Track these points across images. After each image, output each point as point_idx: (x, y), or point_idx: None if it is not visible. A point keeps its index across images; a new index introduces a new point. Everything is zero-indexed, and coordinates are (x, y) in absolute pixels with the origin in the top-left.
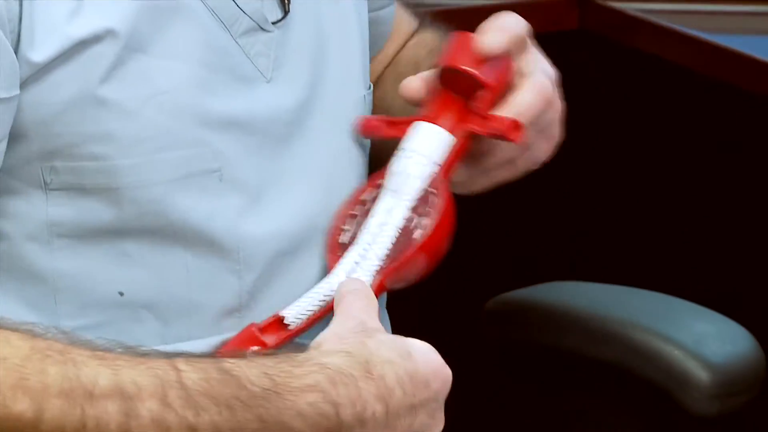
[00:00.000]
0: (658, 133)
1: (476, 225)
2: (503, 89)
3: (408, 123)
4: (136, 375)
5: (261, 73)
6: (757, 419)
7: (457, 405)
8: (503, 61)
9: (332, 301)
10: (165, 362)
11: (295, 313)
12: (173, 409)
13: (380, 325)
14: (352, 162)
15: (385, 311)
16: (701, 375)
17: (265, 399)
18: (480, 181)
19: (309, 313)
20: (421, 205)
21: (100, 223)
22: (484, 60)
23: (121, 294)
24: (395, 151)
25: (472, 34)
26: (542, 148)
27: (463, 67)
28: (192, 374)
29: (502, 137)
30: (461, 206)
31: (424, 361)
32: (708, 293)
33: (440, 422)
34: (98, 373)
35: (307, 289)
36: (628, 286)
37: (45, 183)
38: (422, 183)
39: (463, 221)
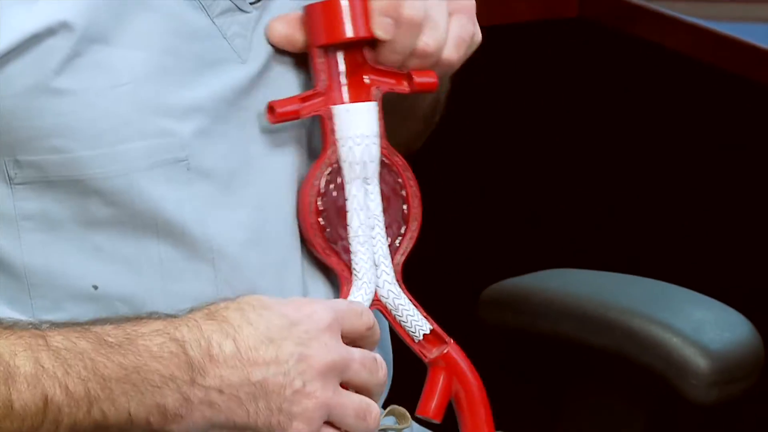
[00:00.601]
0: (658, 121)
1: (473, 212)
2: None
3: (317, 96)
4: (8, 345)
5: (237, 54)
6: (756, 406)
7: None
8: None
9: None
10: (34, 331)
11: None
12: (46, 370)
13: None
14: (317, 144)
15: None
16: (700, 362)
17: (121, 347)
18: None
19: None
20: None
21: (68, 215)
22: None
23: (95, 287)
24: (335, 138)
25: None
26: (428, 42)
27: (351, 35)
28: (56, 336)
29: (423, 91)
30: (459, 194)
31: (278, 302)
32: (706, 280)
33: (321, 350)
34: None
35: (282, 273)
36: (627, 274)
37: (9, 178)
38: (379, 159)
39: (460, 208)
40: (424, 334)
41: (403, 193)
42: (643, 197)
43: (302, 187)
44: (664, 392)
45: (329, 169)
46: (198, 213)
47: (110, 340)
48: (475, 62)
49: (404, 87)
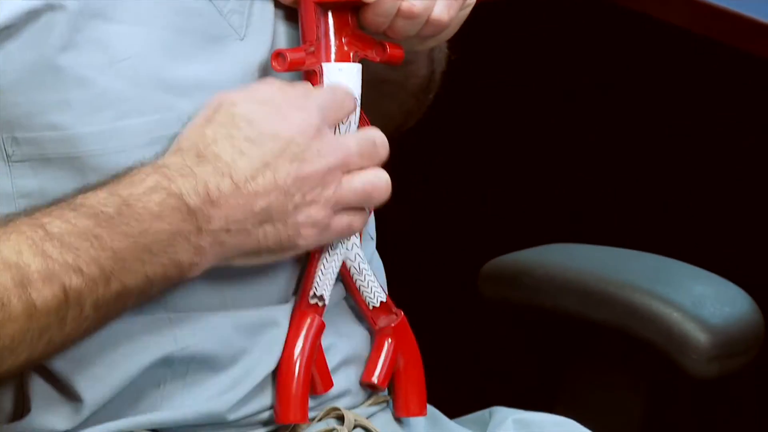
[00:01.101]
0: (657, 95)
1: (473, 187)
2: None
3: (311, 52)
4: (12, 245)
5: (234, 31)
6: (756, 381)
7: (454, 368)
8: None
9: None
10: (30, 222)
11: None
12: (55, 260)
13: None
14: None
15: (379, 259)
16: (700, 337)
17: (121, 215)
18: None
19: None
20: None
21: (66, 193)
22: None
23: None
24: None
25: None
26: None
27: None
28: (55, 221)
29: (391, 62)
30: (459, 169)
31: (268, 115)
32: (707, 255)
33: (316, 160)
34: None
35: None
36: (627, 249)
37: (7, 155)
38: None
39: (460, 182)
40: (381, 302)
41: None
42: (643, 172)
43: None
44: (665, 367)
45: None
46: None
47: (108, 210)
48: (472, 35)
49: (374, 55)
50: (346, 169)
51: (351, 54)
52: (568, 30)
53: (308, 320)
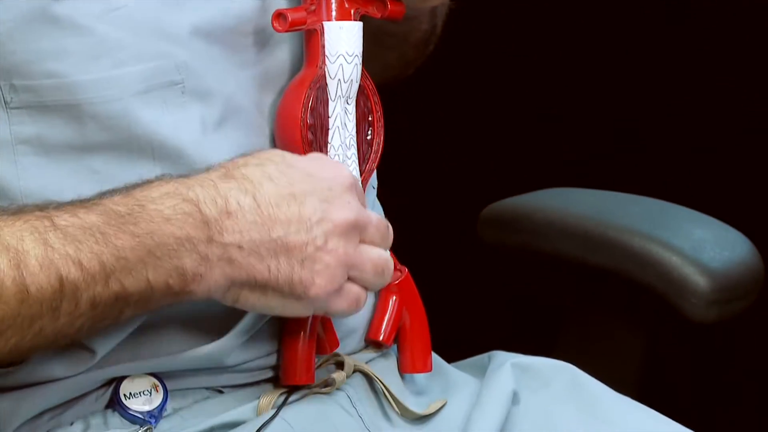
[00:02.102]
0: (656, 35)
1: (473, 131)
2: None
3: (311, 11)
4: (16, 231)
5: None
6: (755, 325)
7: (453, 313)
8: None
9: None
10: (38, 213)
11: None
12: (56, 249)
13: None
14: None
15: (380, 206)
16: (699, 281)
17: (131, 215)
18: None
19: None
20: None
21: (63, 139)
22: None
23: None
24: (326, 55)
25: None
26: None
27: None
28: (63, 215)
29: (392, 18)
30: (459, 113)
31: (302, 159)
32: (707, 199)
33: (344, 208)
34: None
35: None
36: (627, 193)
37: (5, 102)
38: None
39: (459, 127)
40: None
41: (370, 118)
42: (643, 116)
43: (288, 101)
44: (664, 311)
45: (317, 84)
46: (193, 135)
47: (119, 209)
48: None
49: (374, 11)
50: (365, 235)
51: (352, 11)
52: None
53: None
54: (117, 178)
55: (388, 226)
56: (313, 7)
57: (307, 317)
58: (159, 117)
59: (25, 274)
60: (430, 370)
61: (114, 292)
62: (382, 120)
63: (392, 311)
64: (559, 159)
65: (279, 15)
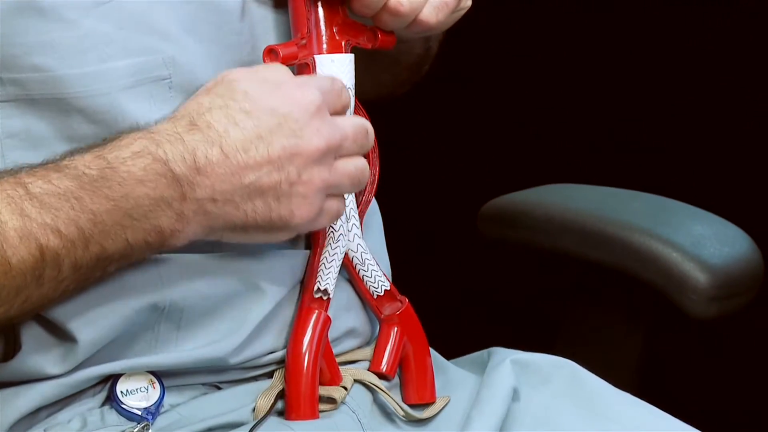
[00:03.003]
0: (656, 33)
1: (473, 127)
2: None
3: (303, 45)
4: None
5: None
6: (755, 321)
7: (453, 309)
8: None
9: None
10: (12, 181)
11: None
12: (33, 219)
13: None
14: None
15: (378, 214)
16: (699, 277)
17: (104, 178)
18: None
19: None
20: None
21: (51, 133)
22: None
23: None
24: None
25: None
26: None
27: None
28: (36, 182)
29: (383, 48)
30: (459, 109)
31: (267, 93)
32: (707, 195)
33: (314, 137)
34: None
35: None
36: (627, 189)
37: None
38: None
39: (460, 123)
40: (385, 290)
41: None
42: (643, 112)
43: None
44: (664, 307)
45: None
46: None
47: (92, 173)
48: None
49: (365, 42)
50: (340, 152)
51: (342, 43)
52: None
53: (314, 315)
54: None
55: (366, 131)
56: (304, 41)
57: (309, 353)
58: (146, 112)
59: (5, 247)
60: (435, 399)
61: (94, 254)
62: (377, 150)
63: (394, 342)
64: (559, 155)
65: (270, 51)
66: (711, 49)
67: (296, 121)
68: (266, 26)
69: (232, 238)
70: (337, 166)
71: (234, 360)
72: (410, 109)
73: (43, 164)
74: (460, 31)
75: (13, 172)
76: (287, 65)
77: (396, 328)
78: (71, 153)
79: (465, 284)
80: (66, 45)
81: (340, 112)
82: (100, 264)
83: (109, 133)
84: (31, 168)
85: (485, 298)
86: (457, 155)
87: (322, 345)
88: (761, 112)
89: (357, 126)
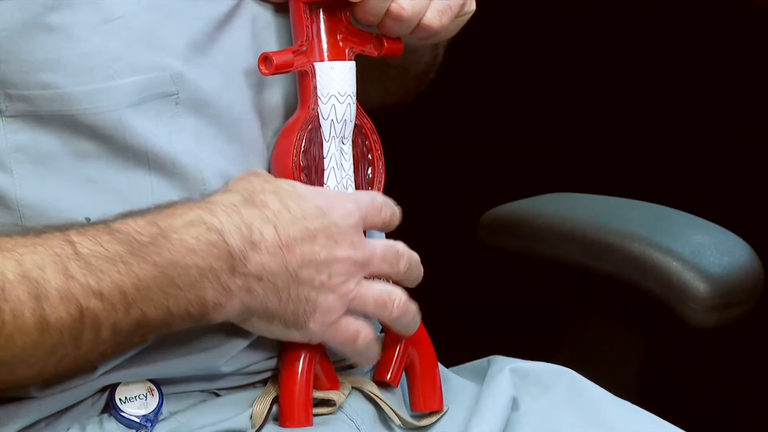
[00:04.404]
0: (657, 42)
1: (473, 136)
2: None
3: (302, 52)
4: (38, 258)
5: None
6: (755, 330)
7: (453, 317)
8: None
9: None
10: (60, 238)
11: None
12: (77, 280)
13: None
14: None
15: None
16: (699, 286)
17: (154, 245)
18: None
19: None
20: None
21: (59, 148)
22: None
23: (88, 219)
24: (317, 96)
25: None
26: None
27: None
28: (85, 242)
29: (390, 56)
30: (460, 118)
31: (314, 193)
32: (706, 205)
33: (349, 248)
34: (5, 267)
35: None
36: (626, 198)
37: (0, 110)
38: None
39: (460, 132)
40: None
41: (370, 156)
42: (643, 121)
43: (281, 144)
44: (664, 316)
45: (310, 126)
46: (187, 146)
47: (143, 239)
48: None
49: (372, 50)
50: (369, 269)
51: (346, 51)
52: None
53: None
54: (112, 186)
55: (397, 252)
56: (304, 48)
57: (304, 358)
58: (153, 128)
59: (44, 306)
60: (442, 408)
61: (135, 319)
62: (382, 159)
63: (400, 351)
64: (559, 164)
65: (265, 58)
66: (711, 58)
67: (337, 227)
68: (270, 33)
69: (257, 325)
70: (364, 283)
71: (228, 368)
72: (410, 117)
73: (93, 224)
74: (461, 39)
75: (63, 228)
76: (282, 72)
77: (402, 339)
78: (123, 216)
79: (465, 292)
80: (73, 62)
81: (379, 227)
82: (139, 330)
83: (117, 150)
84: (81, 226)
85: (485, 306)
86: (457, 164)
87: (318, 351)
88: (761, 122)
89: (387, 246)
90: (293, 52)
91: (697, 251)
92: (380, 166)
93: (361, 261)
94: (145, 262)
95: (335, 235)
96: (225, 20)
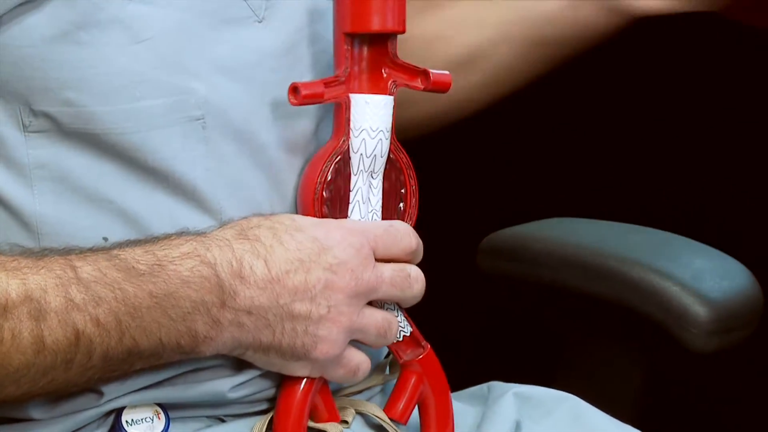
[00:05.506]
0: (655, 69)
1: (473, 160)
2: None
3: (338, 83)
4: (40, 280)
5: (253, 12)
6: (755, 355)
7: (452, 342)
8: None
9: None
10: (62, 261)
11: None
12: (76, 305)
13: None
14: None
15: None
16: (699, 311)
17: (152, 274)
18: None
19: None
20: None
21: (80, 167)
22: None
23: (105, 239)
24: (350, 128)
25: None
26: None
27: (379, 28)
28: (86, 267)
29: (437, 90)
30: (458, 143)
31: (315, 225)
32: (706, 229)
33: (347, 277)
34: (9, 286)
35: None
36: (626, 223)
37: (24, 125)
38: (388, 155)
39: (459, 156)
40: (404, 336)
41: (403, 191)
42: (642, 146)
43: (308, 173)
44: (664, 341)
45: (338, 158)
46: (210, 172)
47: (141, 267)
48: None
49: (418, 84)
50: (376, 296)
51: (389, 84)
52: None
53: None
54: (131, 207)
55: (408, 276)
56: (342, 79)
57: (301, 386)
58: (177, 152)
59: (43, 327)
60: None
61: (126, 347)
62: (416, 195)
63: (412, 390)
64: (559, 189)
65: (294, 89)
66: (707, 85)
67: (335, 257)
68: (308, 63)
69: (254, 358)
70: (366, 312)
71: (234, 395)
72: (408, 144)
73: (93, 249)
74: None
75: (64, 252)
76: (312, 103)
77: (415, 378)
78: (121, 245)
79: (464, 317)
80: (99, 82)
81: (400, 257)
82: (129, 359)
83: (138, 172)
84: (81, 251)
85: (484, 331)
86: (456, 189)
87: (318, 380)
88: (759, 147)
89: (397, 271)
90: (325, 84)
91: (697, 276)
92: (413, 201)
93: (364, 290)
94: (142, 290)
95: (333, 266)
96: (254, 45)
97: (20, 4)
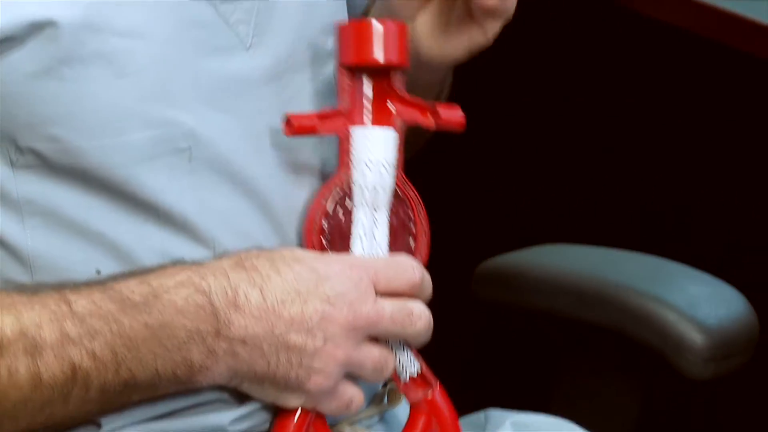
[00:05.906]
0: (653, 95)
1: (468, 187)
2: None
3: (338, 116)
4: (35, 315)
5: (240, 41)
6: (751, 382)
7: (448, 369)
8: (398, 26)
9: None
10: (56, 296)
11: None
12: (72, 340)
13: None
14: (323, 141)
15: None
16: (695, 337)
17: (146, 304)
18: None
19: None
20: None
21: (69, 201)
22: (386, 39)
23: (98, 272)
24: (349, 160)
25: (360, 22)
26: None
27: (379, 60)
28: (80, 300)
29: (447, 128)
30: (452, 170)
31: (315, 258)
32: (702, 256)
33: (345, 310)
34: (3, 323)
35: None
36: (622, 249)
37: (11, 162)
38: (392, 188)
39: (455, 183)
40: (411, 377)
41: (412, 227)
42: (638, 173)
43: (311, 204)
44: (660, 368)
45: (340, 190)
46: (200, 203)
47: (135, 298)
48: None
49: (429, 121)
50: (375, 331)
51: (393, 117)
52: (567, 31)
53: None
54: (122, 240)
55: (411, 313)
56: (344, 111)
57: (295, 419)
58: (165, 184)
59: (39, 363)
60: None
61: (123, 379)
62: (427, 233)
63: (422, 427)
64: (555, 216)
65: (287, 120)
66: (706, 108)
67: (332, 289)
68: (297, 90)
69: (249, 389)
70: (363, 346)
71: (234, 428)
72: (404, 167)
73: (87, 282)
74: (455, 90)
75: (57, 287)
76: (306, 135)
77: (423, 418)
78: (115, 277)
79: (459, 344)
80: (84, 117)
81: (405, 291)
82: (126, 390)
83: (127, 205)
84: (75, 285)
85: (480, 358)
86: (451, 216)
87: (312, 414)
88: (756, 174)
89: (399, 308)
90: (322, 116)
91: (693, 303)
92: (423, 239)
93: (362, 324)
94: (137, 322)
95: (331, 298)
96: (246, 75)
97: (1, 42)
